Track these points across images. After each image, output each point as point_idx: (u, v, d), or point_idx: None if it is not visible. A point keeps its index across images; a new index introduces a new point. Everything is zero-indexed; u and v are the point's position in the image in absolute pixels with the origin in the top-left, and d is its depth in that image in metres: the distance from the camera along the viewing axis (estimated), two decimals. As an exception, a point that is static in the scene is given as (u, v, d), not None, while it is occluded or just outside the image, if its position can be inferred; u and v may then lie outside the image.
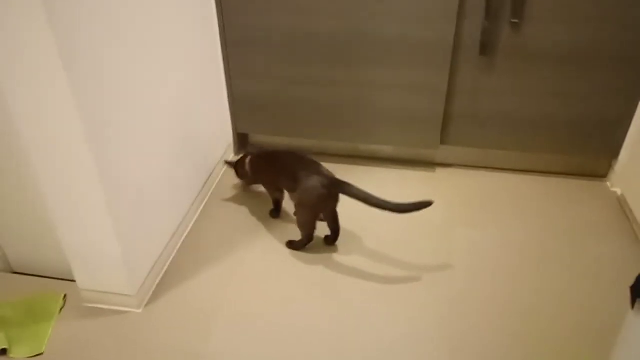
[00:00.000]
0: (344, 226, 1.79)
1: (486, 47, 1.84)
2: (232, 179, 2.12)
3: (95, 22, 1.25)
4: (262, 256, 1.76)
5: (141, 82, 1.48)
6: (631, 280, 0.94)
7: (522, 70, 1.88)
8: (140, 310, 1.57)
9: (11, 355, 1.43)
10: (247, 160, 1.89)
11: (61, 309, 1.57)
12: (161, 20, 1.57)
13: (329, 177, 1.64)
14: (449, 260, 1.72)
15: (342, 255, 1.75)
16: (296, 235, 1.77)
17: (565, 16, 1.75)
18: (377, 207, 1.58)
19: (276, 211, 1.92)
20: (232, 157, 2.26)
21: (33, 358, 1.43)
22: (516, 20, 1.77)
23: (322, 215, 1.75)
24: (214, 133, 2.08)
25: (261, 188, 1.97)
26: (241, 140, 2.25)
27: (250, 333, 1.49)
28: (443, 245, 1.79)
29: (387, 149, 2.22)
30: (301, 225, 1.73)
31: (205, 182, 2.00)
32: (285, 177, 1.72)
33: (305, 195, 1.65)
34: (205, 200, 2.01)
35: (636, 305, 0.89)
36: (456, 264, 1.71)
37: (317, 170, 1.65)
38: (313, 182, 1.63)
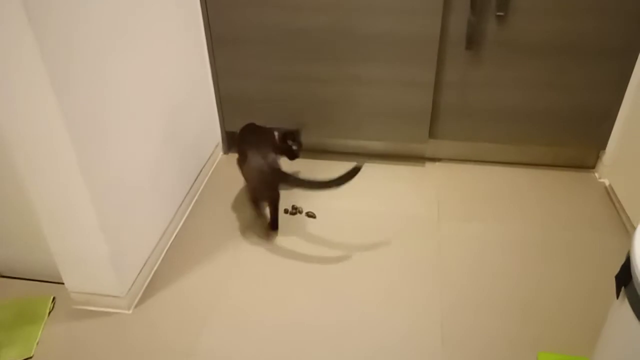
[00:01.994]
0: (337, 221, 1.80)
1: (472, 41, 1.84)
2: (222, 177, 2.11)
3: (77, 20, 1.23)
4: (253, 254, 1.75)
5: (126, 81, 1.47)
6: (617, 270, 0.94)
7: (509, 63, 1.88)
8: (130, 312, 1.56)
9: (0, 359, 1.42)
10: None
11: (50, 312, 1.56)
12: (145, 19, 1.56)
13: (271, 165, 1.66)
14: (440, 255, 1.73)
15: (334, 253, 1.75)
16: (290, 228, 1.77)
17: (550, 8, 1.76)
18: (320, 188, 1.64)
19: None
20: (221, 155, 2.25)
21: (22, 361, 1.42)
22: (501, 13, 1.77)
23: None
24: (202, 131, 2.07)
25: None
26: (230, 138, 2.24)
27: (241, 334, 1.49)
28: (434, 240, 1.79)
29: (376, 144, 2.21)
30: (248, 200, 1.76)
31: (194, 181, 1.99)
32: (241, 149, 1.76)
33: (246, 173, 1.71)
34: (195, 199, 2.00)
35: (621, 295, 0.90)
36: (447, 259, 1.71)
37: (264, 154, 1.68)
38: (254, 164, 1.67)
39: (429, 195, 1.99)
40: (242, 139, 1.83)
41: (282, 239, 1.80)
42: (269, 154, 1.70)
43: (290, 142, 1.86)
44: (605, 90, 1.89)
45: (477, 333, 1.47)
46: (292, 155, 1.91)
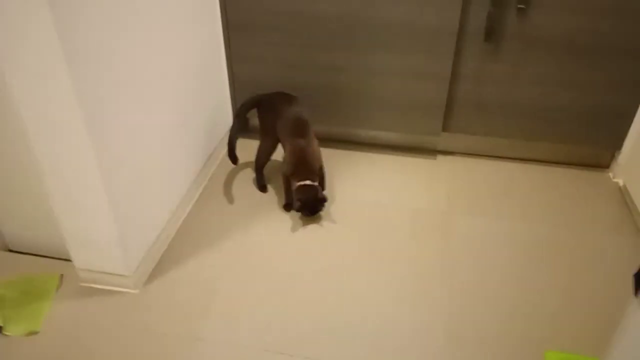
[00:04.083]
0: (345, 212, 1.78)
1: (491, 34, 1.82)
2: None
3: (94, 3, 1.22)
4: (261, 239, 1.75)
5: (139, 62, 1.46)
6: (633, 270, 0.93)
7: (527, 58, 1.85)
8: (136, 291, 1.56)
9: (6, 333, 1.42)
10: None
11: (57, 288, 1.56)
12: (162, 3, 1.54)
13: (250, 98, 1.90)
14: (447, 251, 1.71)
15: (340, 245, 1.74)
16: (299, 218, 1.76)
17: (573, 4, 1.73)
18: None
19: None
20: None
21: (29, 336, 1.42)
22: (522, 6, 1.74)
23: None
24: (214, 115, 2.06)
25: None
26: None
27: (246, 315, 1.49)
28: (441, 235, 1.77)
29: (387, 135, 2.20)
30: None
31: (205, 165, 1.99)
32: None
33: None
34: (205, 182, 1.99)
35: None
36: (455, 255, 1.70)
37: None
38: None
39: (440, 189, 1.97)
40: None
41: (290, 228, 1.80)
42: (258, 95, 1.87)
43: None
44: (624, 90, 1.86)
45: (484, 331, 1.46)
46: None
